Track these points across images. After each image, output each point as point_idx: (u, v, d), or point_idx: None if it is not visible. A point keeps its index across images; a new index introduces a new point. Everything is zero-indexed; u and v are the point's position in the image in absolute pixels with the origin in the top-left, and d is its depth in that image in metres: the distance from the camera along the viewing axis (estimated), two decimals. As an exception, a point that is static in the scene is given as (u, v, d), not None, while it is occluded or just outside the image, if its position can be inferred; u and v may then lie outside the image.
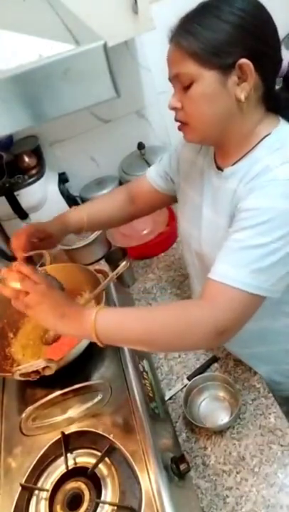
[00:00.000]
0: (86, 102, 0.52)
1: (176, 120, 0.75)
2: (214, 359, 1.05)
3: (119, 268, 0.94)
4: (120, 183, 1.57)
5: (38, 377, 0.83)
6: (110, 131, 1.59)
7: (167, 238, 1.41)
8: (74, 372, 0.91)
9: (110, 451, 0.77)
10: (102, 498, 0.72)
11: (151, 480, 0.71)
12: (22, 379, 0.83)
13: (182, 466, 0.75)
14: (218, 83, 0.66)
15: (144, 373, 0.93)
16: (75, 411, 0.85)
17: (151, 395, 0.89)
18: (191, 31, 0.66)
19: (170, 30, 0.70)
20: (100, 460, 0.76)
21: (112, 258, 1.31)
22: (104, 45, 0.48)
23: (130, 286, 1.33)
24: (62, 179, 1.51)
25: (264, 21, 0.66)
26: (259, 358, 0.98)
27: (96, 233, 1.37)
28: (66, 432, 0.81)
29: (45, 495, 0.76)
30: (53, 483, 0.76)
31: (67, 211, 1.01)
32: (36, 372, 0.82)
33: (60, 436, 0.81)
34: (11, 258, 1.41)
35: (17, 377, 0.82)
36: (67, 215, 0.99)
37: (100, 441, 0.79)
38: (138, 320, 0.71)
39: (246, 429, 0.90)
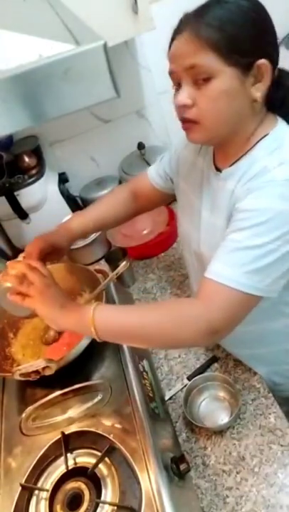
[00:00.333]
0: (86, 102, 0.52)
1: (183, 119, 0.71)
2: (214, 359, 1.05)
3: (119, 268, 0.94)
4: (120, 183, 1.57)
5: (38, 377, 0.83)
6: (110, 131, 1.59)
7: (167, 238, 1.41)
8: (74, 372, 0.91)
9: (110, 451, 0.77)
10: (102, 498, 0.72)
11: (151, 480, 0.71)
12: (22, 379, 0.83)
13: (182, 466, 0.75)
14: (238, 81, 0.65)
15: (144, 373, 0.93)
16: (75, 411, 0.85)
17: (151, 395, 0.89)
18: (213, 23, 0.62)
19: (182, 19, 0.67)
20: (100, 460, 0.76)
21: (112, 258, 1.31)
22: (105, 45, 0.48)
23: (130, 286, 1.33)
24: (62, 179, 1.51)
25: (271, 20, 0.66)
26: (259, 358, 0.98)
27: (96, 233, 1.37)
28: (66, 432, 0.81)
29: (45, 495, 0.75)
30: (53, 483, 0.76)
31: (72, 218, 0.99)
32: (36, 372, 0.82)
33: (60, 436, 0.81)
34: (11, 258, 1.41)
35: (17, 377, 0.82)
36: (72, 224, 0.97)
37: (100, 441, 0.79)
38: (135, 315, 0.72)
39: (246, 429, 0.90)
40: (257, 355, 0.97)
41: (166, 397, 1.00)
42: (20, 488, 0.76)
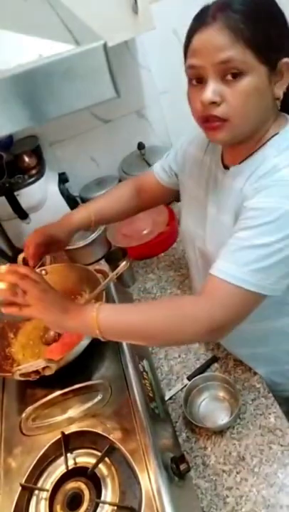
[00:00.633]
0: (86, 102, 0.51)
1: (208, 117, 0.67)
2: (214, 359, 1.05)
3: (119, 268, 0.94)
4: (120, 183, 1.57)
5: (38, 377, 0.83)
6: (110, 131, 1.59)
7: (167, 238, 1.41)
8: (74, 372, 0.91)
9: (110, 451, 0.77)
10: (102, 498, 0.72)
11: (151, 480, 0.71)
12: (22, 379, 0.83)
13: (182, 466, 0.75)
14: (267, 79, 0.64)
15: (144, 373, 0.93)
16: (75, 411, 0.85)
17: (151, 395, 0.89)
18: (250, 17, 0.60)
19: (206, 8, 0.63)
20: (100, 460, 0.76)
21: (112, 258, 1.31)
22: (104, 45, 0.48)
23: (130, 286, 1.33)
24: (62, 179, 1.51)
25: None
26: (259, 358, 0.98)
27: (96, 233, 1.37)
28: (66, 432, 0.81)
29: (45, 495, 0.75)
30: (53, 483, 0.76)
31: (74, 211, 1.01)
32: (36, 372, 0.82)
33: (60, 436, 0.81)
34: (11, 258, 1.41)
35: (17, 377, 0.82)
36: (74, 216, 0.98)
37: (100, 441, 0.79)
38: (138, 312, 0.72)
39: (246, 429, 0.90)
40: (258, 354, 0.97)
41: (166, 397, 1.00)
42: (20, 488, 0.76)
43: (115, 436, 0.78)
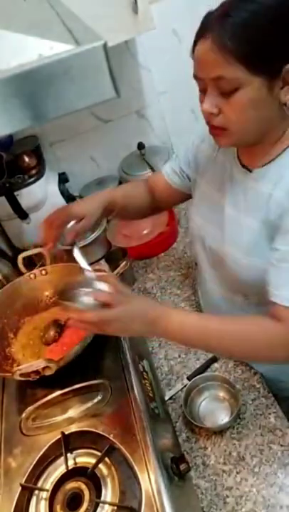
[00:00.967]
0: (86, 102, 0.51)
1: (212, 125, 0.70)
2: (214, 359, 1.05)
3: (119, 268, 0.94)
4: (120, 183, 1.57)
5: (38, 377, 0.83)
6: (110, 131, 1.59)
7: (167, 238, 1.41)
8: (74, 372, 0.91)
9: (110, 451, 0.77)
10: (102, 498, 0.72)
11: (151, 480, 0.71)
12: (22, 379, 0.83)
13: (182, 466, 0.75)
14: (266, 89, 0.63)
15: (144, 373, 0.93)
16: (75, 411, 0.85)
17: (151, 395, 0.89)
18: (239, 32, 0.60)
19: (205, 21, 0.64)
20: (100, 460, 0.76)
21: (112, 258, 1.31)
22: (104, 45, 0.48)
23: (130, 286, 1.33)
24: (62, 179, 1.51)
25: None
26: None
27: (96, 233, 1.37)
28: (66, 432, 0.81)
29: (45, 495, 0.75)
30: (53, 483, 0.76)
31: (101, 192, 0.97)
32: (36, 372, 0.82)
33: (60, 436, 0.81)
34: (11, 258, 1.41)
35: (17, 377, 0.82)
36: (102, 194, 0.94)
37: (100, 441, 0.79)
38: (219, 332, 0.72)
39: (246, 429, 0.90)
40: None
41: (166, 397, 1.00)
42: (20, 488, 0.76)
43: (115, 436, 0.78)
